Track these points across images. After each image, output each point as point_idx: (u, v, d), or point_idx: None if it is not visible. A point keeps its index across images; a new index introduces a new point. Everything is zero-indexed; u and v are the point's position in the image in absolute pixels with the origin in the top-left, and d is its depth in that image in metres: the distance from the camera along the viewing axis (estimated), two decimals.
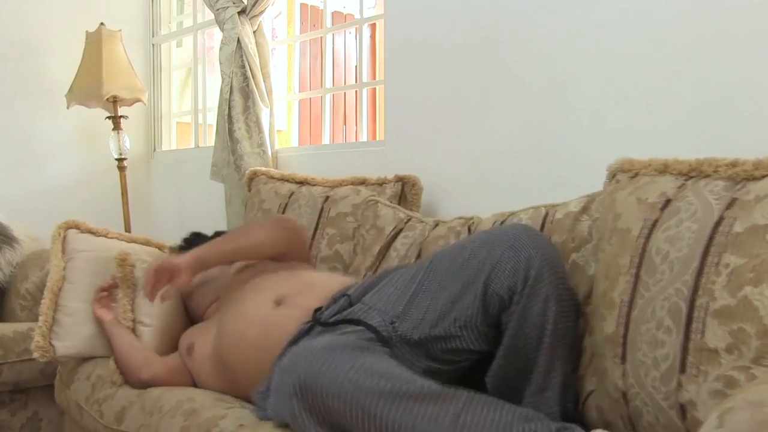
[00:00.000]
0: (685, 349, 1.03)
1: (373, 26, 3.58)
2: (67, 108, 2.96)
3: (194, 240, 1.92)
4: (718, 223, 1.07)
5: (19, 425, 2.25)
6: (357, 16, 2.68)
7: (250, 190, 2.24)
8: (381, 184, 2.03)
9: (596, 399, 1.25)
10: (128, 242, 1.95)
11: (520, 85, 1.94)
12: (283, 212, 2.10)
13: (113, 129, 2.96)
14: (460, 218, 1.71)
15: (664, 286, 1.09)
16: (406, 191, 2.01)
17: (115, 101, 2.90)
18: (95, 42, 2.91)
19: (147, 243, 1.99)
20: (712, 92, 1.57)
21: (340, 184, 2.08)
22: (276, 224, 1.79)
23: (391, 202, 1.94)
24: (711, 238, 1.06)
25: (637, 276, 1.15)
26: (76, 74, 2.94)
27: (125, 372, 1.66)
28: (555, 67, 1.86)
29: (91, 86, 2.87)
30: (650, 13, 1.67)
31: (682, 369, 1.03)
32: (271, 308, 1.49)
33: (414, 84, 2.22)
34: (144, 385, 1.62)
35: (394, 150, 2.28)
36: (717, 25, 1.56)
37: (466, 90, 2.07)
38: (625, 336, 1.14)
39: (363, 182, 2.05)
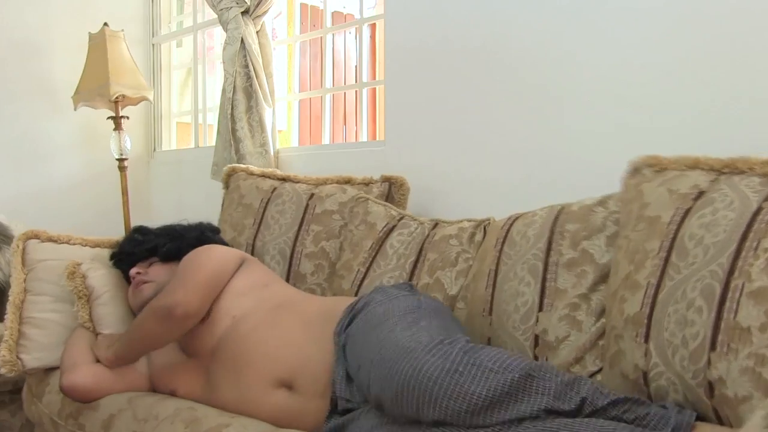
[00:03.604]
0: (716, 328, 1.04)
1: (373, 26, 3.58)
2: (75, 110, 2.95)
3: (138, 239, 1.82)
4: (757, 212, 1.08)
5: (19, 425, 2.24)
6: (357, 16, 2.68)
7: (228, 187, 2.20)
8: (367, 183, 2.01)
9: (603, 380, 1.27)
10: (93, 247, 1.90)
11: (520, 86, 1.94)
12: (265, 208, 2.04)
13: (114, 129, 2.96)
14: (470, 219, 1.71)
15: (697, 269, 1.10)
16: (393, 191, 1.99)
17: (117, 101, 2.90)
18: (99, 43, 2.90)
19: (114, 246, 1.91)
20: (713, 94, 1.57)
21: (325, 182, 2.05)
22: (160, 321, 1.52)
23: None
24: (750, 225, 1.07)
25: (666, 260, 1.16)
26: (82, 75, 2.93)
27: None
28: (555, 68, 1.86)
29: (97, 87, 2.86)
30: (652, 17, 1.67)
31: (713, 347, 1.04)
32: (277, 395, 1.39)
33: (414, 84, 2.22)
34: (62, 390, 1.58)
35: (394, 150, 2.27)
36: (718, 27, 1.56)
37: (467, 90, 2.07)
38: (650, 316, 1.15)
39: (348, 181, 2.03)
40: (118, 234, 2.07)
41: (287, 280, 1.94)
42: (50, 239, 1.85)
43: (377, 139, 2.90)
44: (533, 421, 1.02)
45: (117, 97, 2.86)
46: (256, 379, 1.41)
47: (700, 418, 1.07)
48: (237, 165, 2.26)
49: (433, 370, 1.06)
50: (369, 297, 1.41)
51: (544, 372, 1.06)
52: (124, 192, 2.99)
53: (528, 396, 1.03)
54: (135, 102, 3.01)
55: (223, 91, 2.63)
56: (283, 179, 2.11)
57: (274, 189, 2.08)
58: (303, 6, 3.56)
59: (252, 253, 2.00)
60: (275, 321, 1.49)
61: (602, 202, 1.44)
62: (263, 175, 2.16)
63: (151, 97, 3.02)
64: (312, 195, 2.01)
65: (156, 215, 3.24)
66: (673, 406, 1.07)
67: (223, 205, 2.21)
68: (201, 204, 2.90)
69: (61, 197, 3.13)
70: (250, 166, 2.26)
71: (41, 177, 3.12)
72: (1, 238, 2.49)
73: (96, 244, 1.92)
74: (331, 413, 1.30)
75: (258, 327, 1.49)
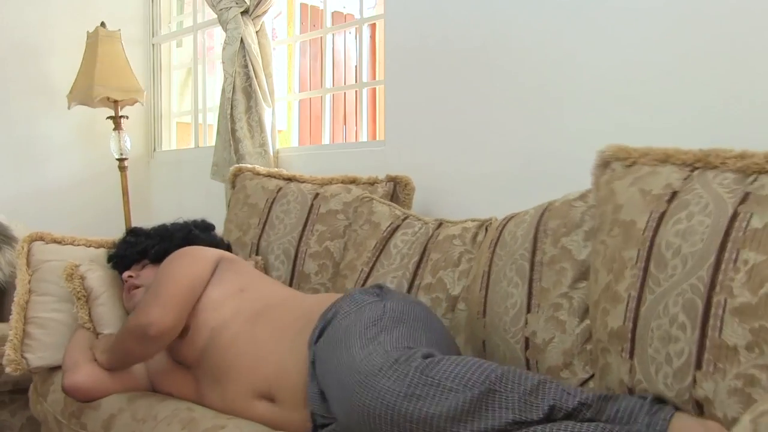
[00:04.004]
0: (701, 346, 1.01)
1: (373, 26, 3.58)
2: (68, 108, 2.96)
3: (130, 242, 1.82)
4: (733, 218, 1.03)
5: (19, 425, 2.24)
6: (357, 16, 2.68)
7: (234, 187, 2.21)
8: (372, 183, 2.01)
9: (595, 390, 1.23)
10: (97, 248, 1.91)
11: (520, 85, 1.94)
12: (270, 207, 2.04)
13: (114, 129, 2.96)
14: (473, 219, 1.70)
15: (677, 282, 1.07)
16: (398, 191, 1.99)
17: (116, 102, 2.90)
18: (93, 43, 2.92)
19: (114, 246, 1.90)
20: (713, 94, 1.57)
21: (330, 182, 2.06)
22: (137, 340, 1.52)
23: None
24: (727, 234, 1.03)
25: (645, 270, 1.13)
26: (77, 75, 2.94)
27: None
28: (555, 68, 1.86)
29: (85, 88, 2.87)
30: (652, 17, 1.67)
31: (698, 365, 1.00)
32: (260, 406, 1.39)
33: (414, 84, 2.22)
34: (64, 390, 1.59)
35: (394, 150, 2.27)
36: (718, 27, 1.56)
37: (466, 90, 2.07)
38: (633, 331, 1.12)
39: (353, 181, 2.03)
40: (119, 234, 2.07)
41: (291, 279, 1.95)
42: (54, 241, 1.87)
43: (377, 139, 2.90)
44: None
45: (106, 98, 2.86)
46: (238, 391, 1.42)
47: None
48: (243, 165, 2.27)
49: (390, 395, 1.05)
50: (338, 306, 1.39)
51: (505, 383, 1.04)
52: (125, 192, 2.99)
53: (491, 411, 1.02)
54: (127, 104, 3.01)
55: (223, 91, 2.64)
56: (289, 179, 2.12)
57: (280, 189, 2.08)
58: (303, 6, 3.56)
59: (257, 253, 2.01)
60: (251, 332, 1.48)
61: (583, 196, 1.40)
62: (269, 175, 2.16)
63: (142, 100, 3.01)
64: (317, 195, 2.02)
65: (156, 215, 3.24)
66: (651, 398, 1.04)
67: (228, 204, 2.22)
68: (201, 204, 2.90)
69: (61, 197, 3.13)
70: (256, 166, 2.27)
71: (41, 177, 3.12)
72: (1, 238, 2.49)
73: (100, 245, 1.93)
74: (315, 425, 1.29)
75: (235, 339, 1.48)
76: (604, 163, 1.32)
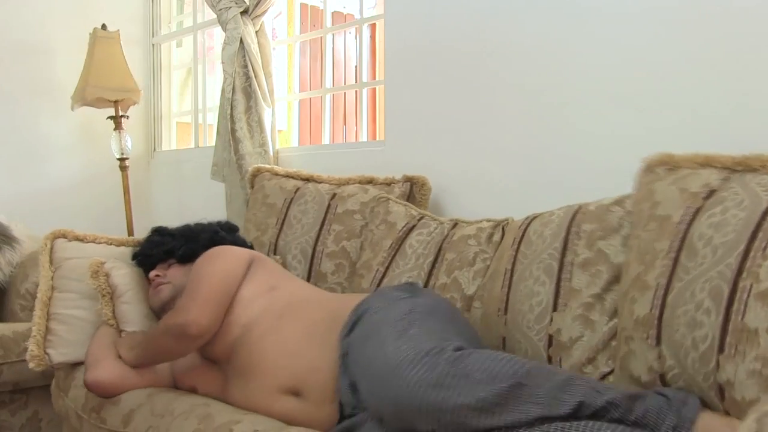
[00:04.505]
0: (724, 330, 1.03)
1: (373, 26, 3.58)
2: (72, 110, 2.95)
3: (156, 241, 1.83)
4: (767, 211, 1.06)
5: (19, 425, 2.24)
6: (357, 16, 2.68)
7: (252, 187, 2.24)
8: (389, 183, 2.03)
9: (615, 382, 1.26)
10: (118, 246, 1.93)
11: (520, 86, 1.94)
12: (288, 207, 2.07)
13: (114, 129, 2.96)
14: (489, 220, 1.71)
15: (706, 269, 1.09)
16: (414, 191, 2.01)
17: (116, 102, 2.90)
18: (92, 44, 2.92)
19: (138, 245, 1.93)
20: (713, 96, 1.57)
21: (347, 182, 2.08)
22: (175, 339, 1.54)
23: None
24: (759, 225, 1.05)
25: (676, 260, 1.15)
26: (79, 77, 2.94)
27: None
28: (557, 69, 1.86)
29: (81, 89, 2.87)
30: (651, 18, 1.67)
31: (721, 349, 1.03)
32: (285, 400, 1.41)
33: (414, 84, 2.22)
34: (86, 386, 1.60)
35: (394, 150, 2.28)
36: (718, 28, 1.56)
37: (466, 90, 2.07)
38: (660, 318, 1.14)
39: (370, 181, 2.06)
40: (120, 233, 2.08)
41: (308, 278, 1.97)
42: (76, 238, 1.90)
43: (377, 139, 2.90)
44: (527, 429, 1.01)
45: (101, 98, 2.85)
46: (263, 386, 1.44)
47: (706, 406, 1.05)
48: (262, 165, 2.29)
49: (419, 386, 1.06)
50: (369, 302, 1.41)
51: (534, 378, 1.04)
52: (126, 192, 2.99)
53: (519, 404, 1.03)
54: (129, 103, 3.00)
55: (223, 91, 2.64)
56: (307, 179, 2.14)
57: (297, 189, 2.11)
58: (303, 6, 3.56)
59: (274, 252, 2.03)
60: (280, 330, 1.51)
61: (619, 201, 1.43)
62: (287, 176, 2.18)
63: (138, 100, 3.01)
64: (334, 195, 2.04)
65: (156, 215, 3.25)
66: (677, 395, 1.05)
67: (248, 205, 2.25)
68: (201, 204, 2.91)
69: (62, 197, 3.13)
70: (275, 166, 2.30)
71: (42, 177, 3.12)
72: (1, 238, 2.49)
73: (121, 243, 1.95)
74: (342, 418, 1.31)
75: (264, 336, 1.51)
76: (648, 168, 1.33)
